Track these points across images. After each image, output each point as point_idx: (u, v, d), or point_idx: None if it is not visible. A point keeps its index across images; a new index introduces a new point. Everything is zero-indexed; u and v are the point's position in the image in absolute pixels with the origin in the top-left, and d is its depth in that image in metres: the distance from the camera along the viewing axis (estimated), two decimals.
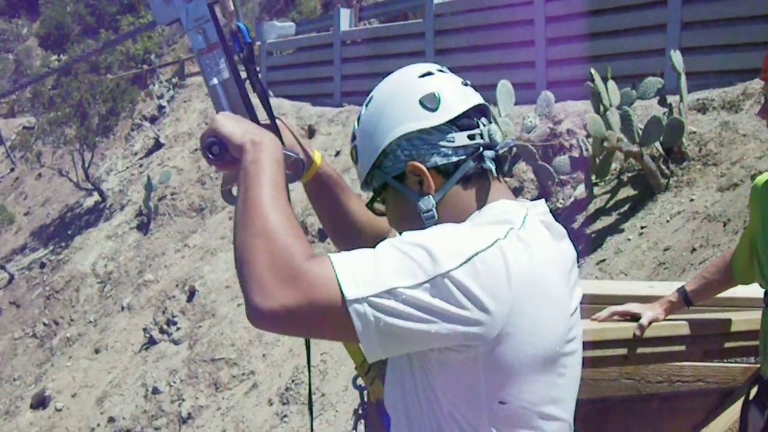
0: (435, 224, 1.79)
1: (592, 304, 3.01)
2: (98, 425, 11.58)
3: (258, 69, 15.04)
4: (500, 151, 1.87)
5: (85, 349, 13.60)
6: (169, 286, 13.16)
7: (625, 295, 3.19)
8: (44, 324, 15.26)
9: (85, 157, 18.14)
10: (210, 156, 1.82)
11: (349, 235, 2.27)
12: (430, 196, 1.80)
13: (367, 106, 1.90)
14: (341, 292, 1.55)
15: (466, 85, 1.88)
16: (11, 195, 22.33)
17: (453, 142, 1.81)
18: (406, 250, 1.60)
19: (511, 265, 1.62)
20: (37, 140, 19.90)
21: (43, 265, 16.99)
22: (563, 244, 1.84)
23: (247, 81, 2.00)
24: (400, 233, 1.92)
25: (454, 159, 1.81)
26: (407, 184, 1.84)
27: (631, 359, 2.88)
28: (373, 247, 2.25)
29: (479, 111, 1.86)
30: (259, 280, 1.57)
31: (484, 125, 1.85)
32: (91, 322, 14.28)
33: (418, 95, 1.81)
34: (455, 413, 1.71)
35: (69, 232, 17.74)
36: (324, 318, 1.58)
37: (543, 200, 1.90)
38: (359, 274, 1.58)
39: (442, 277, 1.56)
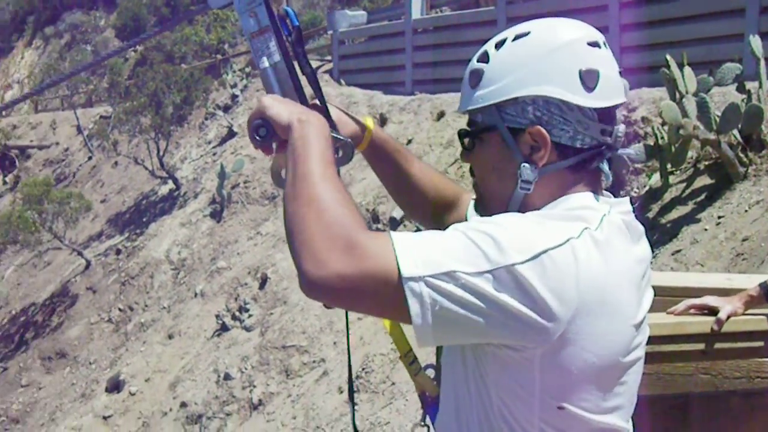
0: (525, 197, 1.72)
1: (668, 296, 2.93)
2: (170, 410, 11.75)
3: (331, 58, 15.09)
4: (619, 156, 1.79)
5: (158, 334, 13.80)
6: (241, 274, 13.27)
7: (702, 288, 3.09)
8: (119, 309, 15.51)
9: (160, 145, 18.39)
10: (257, 138, 1.79)
11: (415, 201, 2.23)
12: (536, 168, 1.71)
13: (518, 38, 1.75)
14: (398, 267, 1.49)
15: (620, 74, 1.77)
16: (89, 183, 22.74)
17: (587, 129, 1.70)
18: (472, 236, 1.53)
19: (581, 267, 1.54)
20: (113, 129, 20.23)
21: (118, 252, 17.28)
22: (639, 245, 1.74)
23: (297, 64, 1.98)
24: (478, 184, 1.85)
25: (578, 144, 1.70)
26: (519, 143, 1.71)
27: (709, 354, 2.79)
28: (442, 217, 2.20)
29: (616, 108, 1.75)
30: (311, 249, 1.52)
31: (616, 124, 1.75)
32: (164, 308, 14.48)
33: (581, 65, 1.68)
34: (504, 411, 1.64)
35: (144, 220, 18.01)
36: (377, 291, 1.51)
37: (628, 198, 1.80)
38: (418, 252, 1.51)
39: (506, 270, 1.49)
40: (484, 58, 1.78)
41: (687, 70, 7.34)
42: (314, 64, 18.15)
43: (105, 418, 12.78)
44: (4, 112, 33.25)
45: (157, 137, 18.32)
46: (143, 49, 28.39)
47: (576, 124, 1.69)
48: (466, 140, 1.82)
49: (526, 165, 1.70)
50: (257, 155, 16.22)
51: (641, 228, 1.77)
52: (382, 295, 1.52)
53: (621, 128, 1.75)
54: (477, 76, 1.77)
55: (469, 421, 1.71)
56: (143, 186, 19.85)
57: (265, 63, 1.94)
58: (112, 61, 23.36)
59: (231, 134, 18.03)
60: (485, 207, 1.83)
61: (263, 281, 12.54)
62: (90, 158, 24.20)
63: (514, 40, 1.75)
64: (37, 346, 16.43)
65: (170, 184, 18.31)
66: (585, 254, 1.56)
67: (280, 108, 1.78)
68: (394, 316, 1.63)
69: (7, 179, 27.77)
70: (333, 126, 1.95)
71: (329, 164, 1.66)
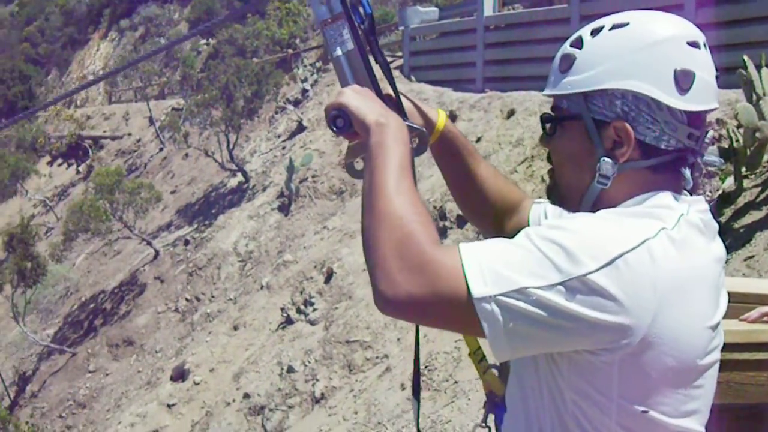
0: (601, 192, 1.69)
1: (740, 302, 2.84)
2: (234, 400, 11.83)
3: (402, 54, 15.03)
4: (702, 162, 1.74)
5: (224, 325, 13.92)
6: (307, 267, 13.32)
7: None
8: (186, 299, 15.69)
9: (230, 138, 18.56)
10: (334, 128, 1.79)
11: (478, 203, 2.19)
12: (616, 164, 1.66)
13: (616, 28, 1.70)
14: (468, 288, 1.47)
15: (717, 78, 1.70)
16: (159, 174, 23.06)
17: (674, 131, 1.65)
18: (542, 246, 1.49)
19: (658, 267, 1.50)
20: (184, 121, 20.47)
21: (187, 242, 17.48)
22: (715, 243, 1.69)
23: (369, 52, 1.95)
24: (554, 171, 1.82)
25: (662, 146, 1.65)
26: (602, 136, 1.67)
27: None
28: (503, 221, 2.15)
29: (707, 113, 1.70)
30: (384, 267, 1.52)
31: (705, 130, 1.70)
32: (230, 299, 14.60)
33: (677, 64, 1.63)
34: (580, 416, 1.61)
35: (213, 211, 18.20)
36: (449, 311, 1.51)
37: (702, 197, 1.75)
38: (488, 269, 1.49)
39: (578, 280, 1.46)
40: (578, 43, 1.73)
41: (765, 71, 7.17)
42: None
43: (169, 406, 12.93)
44: (78, 101, 33.90)
45: (228, 130, 18.49)
46: (215, 42, 28.70)
47: (663, 124, 1.64)
48: (548, 125, 1.79)
49: (607, 159, 1.67)
50: (326, 150, 16.28)
51: (716, 226, 1.72)
52: (454, 314, 1.52)
53: (709, 135, 1.71)
54: (568, 61, 1.73)
55: (542, 426, 1.68)
56: (213, 178, 20.05)
57: (339, 51, 1.92)
58: (185, 54, 23.61)
59: (300, 128, 18.12)
60: (560, 196, 1.81)
61: (329, 276, 12.57)
62: (161, 149, 24.54)
63: (611, 29, 1.70)
64: (105, 333, 16.71)
65: (239, 177, 18.47)
66: (662, 254, 1.52)
67: (360, 104, 1.76)
68: (468, 332, 1.62)
69: (80, 168, 28.32)
70: (405, 116, 1.93)
71: (405, 174, 1.65)
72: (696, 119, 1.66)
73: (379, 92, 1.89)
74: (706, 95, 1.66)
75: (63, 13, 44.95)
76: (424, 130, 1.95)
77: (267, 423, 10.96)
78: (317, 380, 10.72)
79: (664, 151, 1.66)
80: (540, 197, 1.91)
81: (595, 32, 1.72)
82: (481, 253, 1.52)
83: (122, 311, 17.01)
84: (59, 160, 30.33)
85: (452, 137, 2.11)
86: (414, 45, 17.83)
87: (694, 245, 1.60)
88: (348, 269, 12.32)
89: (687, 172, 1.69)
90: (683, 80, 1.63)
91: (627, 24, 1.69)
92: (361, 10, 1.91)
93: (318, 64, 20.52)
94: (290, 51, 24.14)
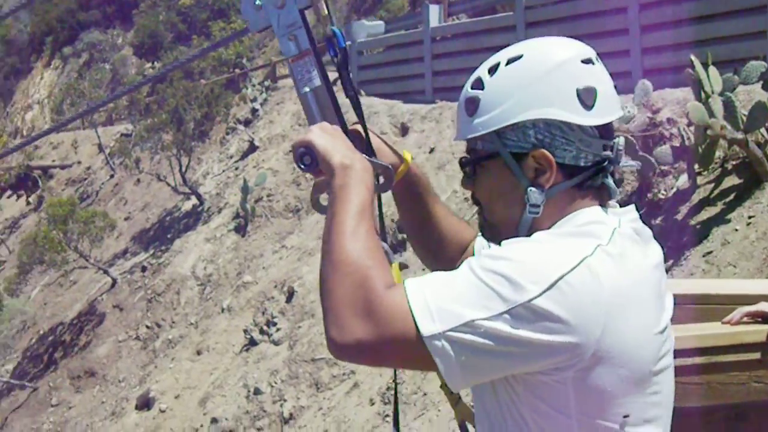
0: (534, 220, 1.72)
1: (719, 304, 2.89)
2: (201, 426, 11.74)
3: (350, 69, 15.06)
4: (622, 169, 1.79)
5: (187, 350, 13.81)
6: (267, 288, 13.26)
7: (754, 295, 3.04)
8: (146, 326, 15.54)
9: (182, 161, 18.41)
10: (302, 166, 1.80)
11: (431, 242, 2.21)
12: (543, 191, 1.70)
13: (511, 63, 1.75)
14: (417, 328, 1.51)
15: (615, 88, 1.77)
16: (111, 201, 22.82)
17: (589, 147, 1.70)
18: (484, 277, 1.53)
19: (600, 285, 1.54)
20: (135, 147, 20.27)
21: (144, 269, 17.31)
22: (651, 249, 1.74)
23: (340, 86, 1.95)
24: (484, 210, 1.84)
25: (582, 163, 1.71)
26: (523, 168, 1.72)
27: (765, 363, 2.75)
28: (454, 259, 2.18)
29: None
30: (335, 314, 1.56)
31: (615, 138, 1.76)
32: (192, 324, 14.48)
33: (577, 84, 1.68)
34: None
35: (168, 236, 18.05)
36: (401, 353, 1.55)
37: (633, 206, 1.80)
38: (435, 306, 1.52)
39: (522, 306, 1.49)
40: (479, 84, 1.78)
41: (712, 69, 7.28)
42: (332, 75, 18.08)
43: None
44: (24, 131, 33.51)
45: (179, 153, 18.35)
46: (161, 66, 28.51)
47: (578, 143, 1.70)
48: (468, 168, 1.84)
49: (533, 189, 1.71)
50: (279, 168, 16.23)
51: (649, 231, 1.77)
52: (406, 355, 1.56)
53: (621, 141, 1.76)
54: (474, 104, 1.77)
55: None
56: (166, 202, 19.89)
57: (306, 88, 1.92)
58: (131, 78, 23.41)
59: (252, 148, 18.05)
60: (495, 233, 1.83)
61: (290, 294, 12.53)
62: (112, 176, 24.29)
63: (507, 64, 1.75)
64: (66, 366, 16.48)
65: (193, 200, 18.34)
66: (601, 270, 1.56)
67: (327, 144, 1.78)
68: (423, 368, 1.64)
69: (30, 199, 27.93)
70: (372, 153, 1.93)
71: (364, 217, 1.67)
72: (606, 130, 1.73)
73: (346, 130, 1.89)
74: (610, 106, 1.73)
75: (4, 42, 44.41)
76: (390, 167, 1.97)
77: None
78: (285, 400, 10.67)
79: (584, 168, 1.72)
80: None
81: (492, 70, 1.77)
82: (427, 289, 1.55)
83: (82, 342, 16.79)
84: (8, 192, 29.90)
85: (416, 178, 2.13)
86: (362, 59, 17.86)
87: (631, 256, 1.64)
88: (309, 287, 12.28)
89: (610, 181, 1.74)
90: (587, 97, 1.68)
91: (521, 56, 1.74)
92: (335, 42, 1.91)
93: (267, 83, 20.46)
94: (237, 71, 24.04)
